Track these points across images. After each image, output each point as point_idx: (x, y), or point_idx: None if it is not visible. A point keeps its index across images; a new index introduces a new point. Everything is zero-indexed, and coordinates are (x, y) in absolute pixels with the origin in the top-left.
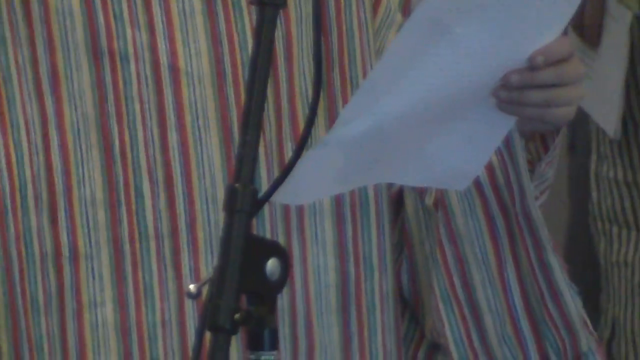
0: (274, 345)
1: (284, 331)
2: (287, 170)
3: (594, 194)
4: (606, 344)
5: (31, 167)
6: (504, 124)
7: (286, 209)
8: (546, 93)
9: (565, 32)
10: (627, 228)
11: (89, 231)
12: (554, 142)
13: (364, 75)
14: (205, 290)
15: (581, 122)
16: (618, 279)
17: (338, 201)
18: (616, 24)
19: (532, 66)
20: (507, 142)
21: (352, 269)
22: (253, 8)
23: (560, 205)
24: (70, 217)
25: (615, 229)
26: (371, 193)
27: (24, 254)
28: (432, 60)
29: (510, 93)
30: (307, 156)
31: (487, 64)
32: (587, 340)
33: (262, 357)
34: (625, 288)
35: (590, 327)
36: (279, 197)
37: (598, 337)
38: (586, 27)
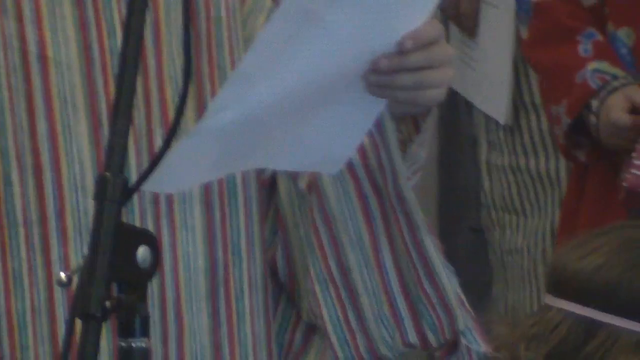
0: (145, 332)
1: (154, 317)
2: (156, 159)
3: (486, 184)
4: None
5: None
6: (375, 107)
7: (155, 196)
8: (416, 76)
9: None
10: (515, 214)
11: None
12: (424, 123)
13: (232, 61)
14: (75, 279)
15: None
16: (512, 267)
17: (207, 188)
18: (497, 11)
19: (401, 50)
20: (379, 124)
21: (220, 255)
22: None
23: (433, 186)
24: None
25: (507, 217)
26: (239, 180)
27: None
28: (303, 47)
29: (380, 77)
30: (178, 145)
31: (357, 49)
32: (464, 318)
33: (133, 344)
34: (518, 275)
35: (467, 305)
36: (149, 186)
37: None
38: (462, 16)
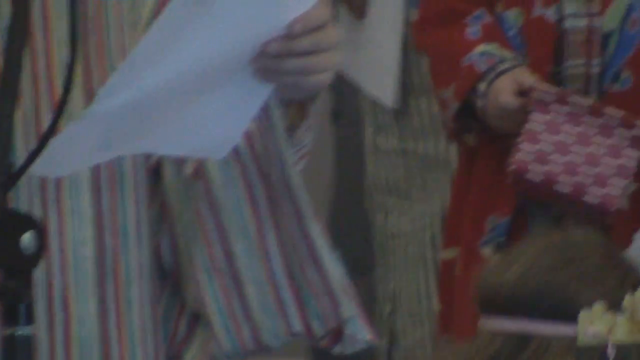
0: (30, 320)
1: (40, 304)
2: (43, 142)
3: (371, 167)
4: (387, 318)
5: None
6: (262, 92)
7: (43, 180)
8: (303, 61)
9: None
10: (402, 198)
11: None
12: (311, 108)
13: (120, 45)
14: None
15: (347, 92)
16: (396, 251)
17: (96, 173)
18: None
19: (290, 34)
20: (266, 110)
21: (109, 241)
22: None
23: (327, 173)
24: None
25: (391, 201)
26: (128, 165)
27: None
28: (192, 32)
29: (268, 61)
30: (66, 129)
31: (246, 33)
32: (349, 306)
33: (18, 332)
34: (402, 260)
35: (353, 293)
36: (36, 170)
37: (379, 313)
38: None
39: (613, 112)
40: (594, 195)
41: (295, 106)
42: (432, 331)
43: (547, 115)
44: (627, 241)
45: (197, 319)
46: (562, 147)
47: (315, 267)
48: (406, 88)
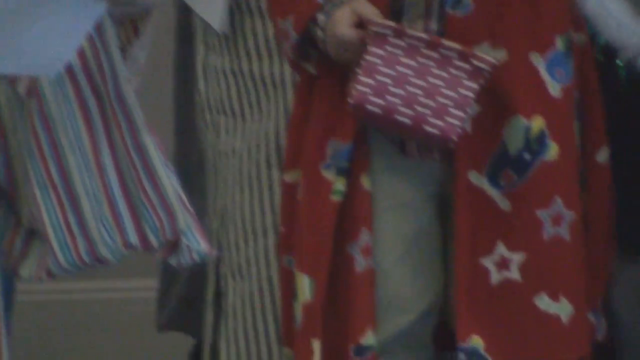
0: None
1: None
2: None
3: (202, 85)
4: (216, 233)
5: None
6: (94, 10)
7: None
8: None
9: None
10: (233, 117)
11: None
12: (143, 26)
13: None
14: None
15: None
16: (226, 169)
17: None
18: None
19: None
20: (99, 28)
21: None
22: None
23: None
24: None
25: (222, 119)
26: None
27: None
28: None
29: None
30: None
31: None
32: (185, 217)
33: None
34: (234, 177)
35: (188, 205)
36: None
37: (207, 227)
38: None
39: (451, 46)
40: (434, 125)
41: (129, 25)
42: (265, 249)
43: (384, 49)
44: (471, 163)
45: (33, 235)
46: (401, 80)
47: (151, 181)
48: (241, 9)
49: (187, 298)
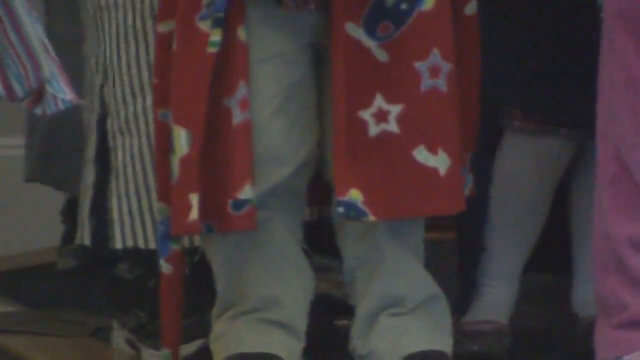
0: None
1: None
2: None
3: None
4: (99, 91)
5: None
6: None
7: None
8: None
9: None
10: None
11: None
12: None
13: None
14: None
15: None
16: (109, 23)
17: None
18: None
19: None
20: None
21: None
22: None
23: None
24: None
25: None
26: None
27: None
28: None
29: None
30: None
31: None
32: (50, 66)
33: None
34: (117, 31)
35: (53, 54)
36: None
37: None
38: None
39: None
40: None
41: None
42: (148, 144)
43: None
44: (348, 14)
45: None
46: None
47: (15, 29)
48: None
49: (47, 149)
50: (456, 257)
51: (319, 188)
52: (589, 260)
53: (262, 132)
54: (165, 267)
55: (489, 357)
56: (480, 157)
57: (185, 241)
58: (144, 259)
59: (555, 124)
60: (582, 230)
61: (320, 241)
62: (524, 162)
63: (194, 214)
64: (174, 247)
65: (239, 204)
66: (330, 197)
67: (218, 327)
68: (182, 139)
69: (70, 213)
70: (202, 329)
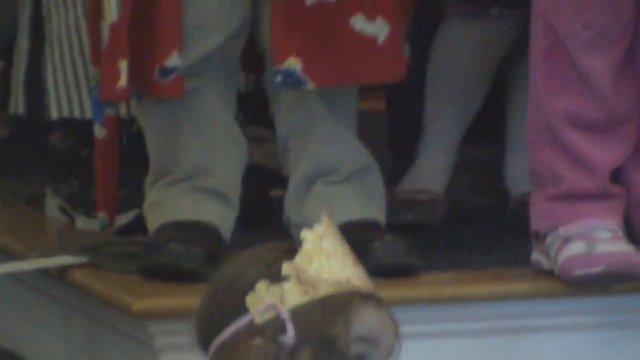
0: None
1: None
2: None
3: None
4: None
5: None
6: None
7: None
8: None
9: None
10: None
11: None
12: None
13: None
14: None
15: None
16: None
17: None
18: None
19: None
20: None
21: None
22: None
23: None
24: None
25: None
26: None
27: None
28: None
29: None
30: None
31: None
32: None
33: None
34: None
35: None
36: None
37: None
38: None
39: None
40: None
41: None
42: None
43: None
44: None
45: None
46: None
47: None
48: None
49: None
50: (388, 129)
51: (252, 58)
52: (523, 136)
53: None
54: (99, 132)
55: (423, 226)
56: (419, 36)
57: (122, 110)
58: (77, 128)
59: (487, 5)
60: (516, 107)
61: (254, 112)
62: (461, 44)
63: (122, 81)
64: (109, 111)
65: (165, 71)
66: (263, 67)
67: (152, 195)
68: (111, 5)
69: (3, 80)
70: (138, 200)
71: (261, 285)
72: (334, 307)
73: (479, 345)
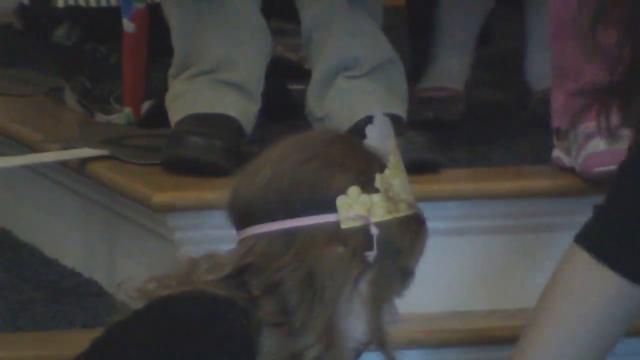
0: None
1: None
2: None
3: None
4: None
5: None
6: None
7: None
8: None
9: None
10: None
11: None
12: None
13: None
14: None
15: None
16: None
17: None
18: None
19: None
20: None
21: None
22: None
23: None
24: None
25: None
26: None
27: None
28: None
29: None
30: None
31: None
32: None
33: None
34: None
35: None
36: None
37: None
38: None
39: None
40: None
41: None
42: None
43: None
44: None
45: None
46: None
47: None
48: None
49: None
50: (408, 25)
51: None
52: (544, 32)
53: None
54: (128, 26)
55: (444, 122)
56: None
57: None
58: (81, 19)
59: None
60: (536, 2)
61: (277, 4)
62: None
63: None
64: (138, 5)
65: None
66: None
67: (175, 87)
68: None
69: None
70: (154, 90)
71: (354, 191)
72: (411, 231)
73: (498, 242)
